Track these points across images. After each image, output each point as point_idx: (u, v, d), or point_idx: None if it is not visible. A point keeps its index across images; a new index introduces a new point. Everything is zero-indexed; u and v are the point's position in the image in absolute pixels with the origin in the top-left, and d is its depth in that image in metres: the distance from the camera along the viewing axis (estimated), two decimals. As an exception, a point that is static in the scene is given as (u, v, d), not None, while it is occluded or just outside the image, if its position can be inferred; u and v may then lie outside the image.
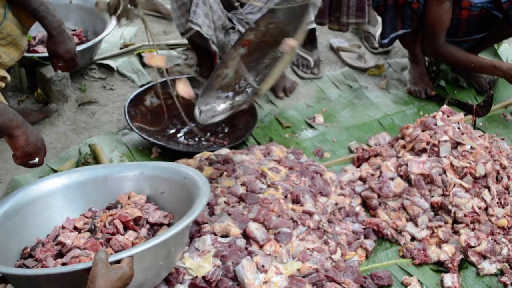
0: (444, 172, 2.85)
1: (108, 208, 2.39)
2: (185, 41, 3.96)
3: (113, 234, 2.22)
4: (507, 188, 2.91)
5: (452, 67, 3.85)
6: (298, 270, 2.39)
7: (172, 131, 3.37)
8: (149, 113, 3.36)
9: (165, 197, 2.42)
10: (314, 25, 3.61)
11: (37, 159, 2.44)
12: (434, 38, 3.60)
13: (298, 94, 3.82)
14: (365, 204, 2.94)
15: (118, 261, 1.82)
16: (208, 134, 3.37)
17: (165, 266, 2.12)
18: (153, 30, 4.39)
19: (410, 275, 2.62)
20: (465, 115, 3.33)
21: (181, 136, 3.37)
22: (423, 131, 3.04)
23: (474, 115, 3.46)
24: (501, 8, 3.46)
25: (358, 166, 3.15)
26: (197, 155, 3.06)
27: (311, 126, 3.53)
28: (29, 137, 2.33)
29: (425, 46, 3.71)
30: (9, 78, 2.73)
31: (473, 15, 3.51)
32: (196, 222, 2.44)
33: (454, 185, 2.81)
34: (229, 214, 2.52)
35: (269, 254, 2.40)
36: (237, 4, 3.19)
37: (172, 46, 4.19)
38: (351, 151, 3.34)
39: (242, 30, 3.39)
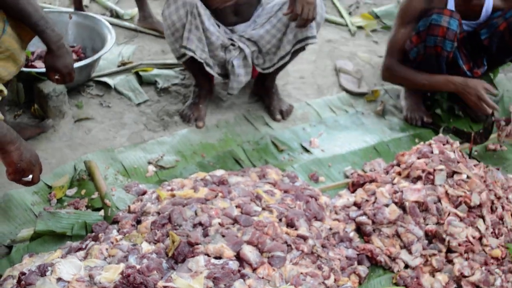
0: (439, 200, 2.85)
1: None
2: (183, 61, 3.98)
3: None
4: (501, 219, 2.90)
5: (408, 87, 3.89)
6: (291, 294, 2.38)
7: None
8: None
9: None
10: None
11: (30, 176, 2.42)
12: (387, 58, 3.72)
13: (294, 117, 3.82)
14: (359, 230, 2.93)
15: None
16: None
17: None
18: (151, 49, 4.42)
19: (403, 303, 2.60)
20: (461, 143, 3.33)
21: None
22: (418, 158, 3.05)
23: (472, 142, 3.47)
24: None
25: (353, 192, 3.15)
26: (192, 175, 3.04)
27: (306, 150, 3.53)
28: (23, 153, 2.31)
29: (382, 69, 3.81)
30: (5, 92, 2.71)
31: None
32: (189, 243, 2.42)
33: (449, 213, 2.81)
34: (223, 236, 2.50)
35: (262, 278, 2.38)
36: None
37: (169, 66, 4.19)
38: (346, 176, 3.33)
39: (243, 46, 3.43)
